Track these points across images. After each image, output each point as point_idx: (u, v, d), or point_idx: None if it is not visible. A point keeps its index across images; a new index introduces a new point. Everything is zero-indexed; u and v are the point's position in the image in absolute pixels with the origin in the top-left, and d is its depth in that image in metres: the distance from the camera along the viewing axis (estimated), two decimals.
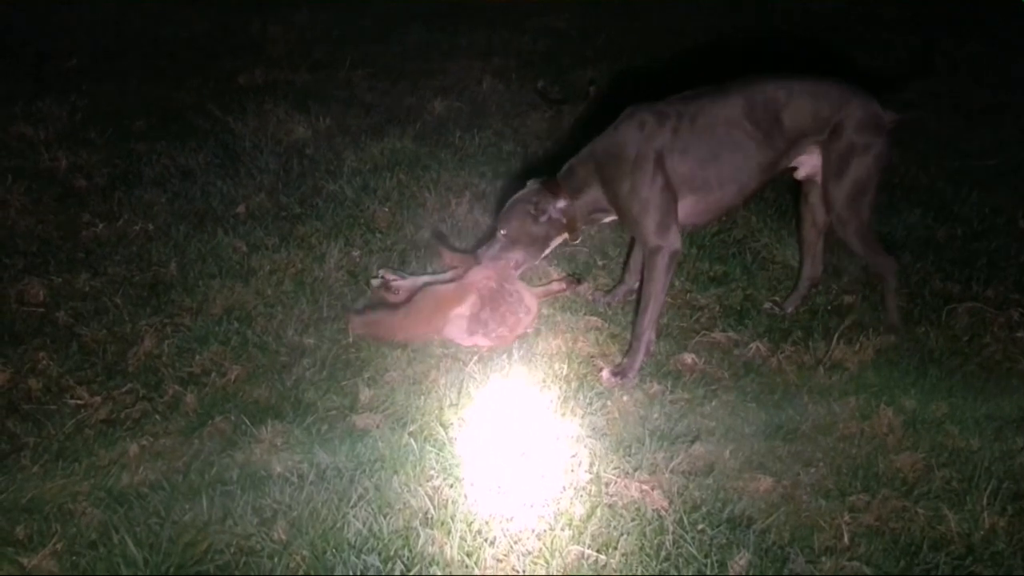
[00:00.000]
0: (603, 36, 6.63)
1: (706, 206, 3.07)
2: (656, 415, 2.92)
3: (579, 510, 2.51)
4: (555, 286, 3.46)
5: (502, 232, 3.15)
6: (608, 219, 3.20)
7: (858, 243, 3.13)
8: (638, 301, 3.18)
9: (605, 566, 2.34)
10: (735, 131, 2.97)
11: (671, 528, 2.45)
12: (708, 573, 2.32)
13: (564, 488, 2.59)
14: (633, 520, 2.48)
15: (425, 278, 3.38)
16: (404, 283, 3.31)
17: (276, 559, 2.32)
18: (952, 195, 4.24)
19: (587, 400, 2.96)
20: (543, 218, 3.09)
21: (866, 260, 3.29)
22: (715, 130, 2.97)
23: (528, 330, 3.25)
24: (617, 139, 3.03)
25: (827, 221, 3.25)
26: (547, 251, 3.23)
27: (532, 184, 3.18)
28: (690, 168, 2.98)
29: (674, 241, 3.01)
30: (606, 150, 3.05)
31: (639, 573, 2.32)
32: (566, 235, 3.18)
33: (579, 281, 3.54)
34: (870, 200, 3.06)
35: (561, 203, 3.09)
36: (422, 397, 2.96)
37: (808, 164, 3.11)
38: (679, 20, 6.87)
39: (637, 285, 3.42)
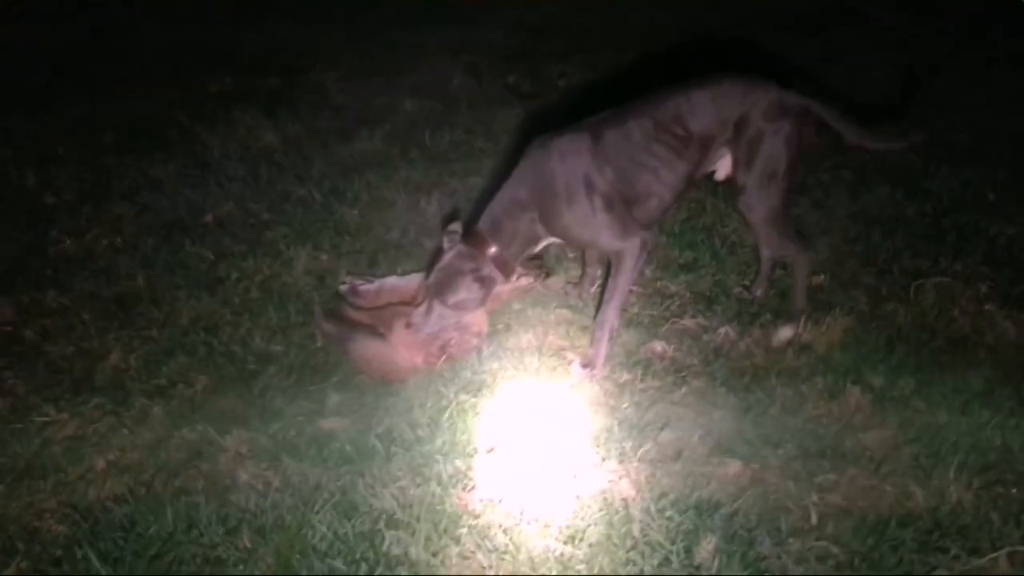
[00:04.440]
0: (574, 30, 6.62)
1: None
2: (626, 404, 2.91)
3: (546, 503, 2.50)
4: (523, 282, 3.38)
5: (442, 302, 2.99)
6: (540, 247, 3.12)
7: (765, 230, 3.06)
8: (602, 291, 3.17)
9: (571, 558, 2.34)
10: (651, 148, 2.93)
11: (638, 516, 2.44)
12: (674, 560, 2.31)
13: (531, 482, 2.58)
14: (600, 510, 2.48)
15: (392, 280, 3.36)
16: (371, 287, 3.30)
17: (241, 567, 2.32)
18: (922, 171, 4.23)
19: (557, 393, 2.96)
20: (487, 282, 3.00)
21: (774, 250, 3.19)
22: (631, 150, 2.93)
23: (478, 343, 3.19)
24: (542, 174, 2.94)
25: None
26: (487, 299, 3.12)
27: (451, 240, 3.02)
28: (612, 186, 2.92)
29: (636, 236, 2.96)
30: (533, 188, 2.95)
31: (605, 563, 2.31)
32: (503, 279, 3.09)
33: (547, 275, 3.50)
34: (781, 186, 2.99)
35: (492, 251, 2.97)
36: (391, 398, 2.95)
37: (725, 165, 3.08)
38: (650, 13, 6.85)
39: (600, 272, 3.42)
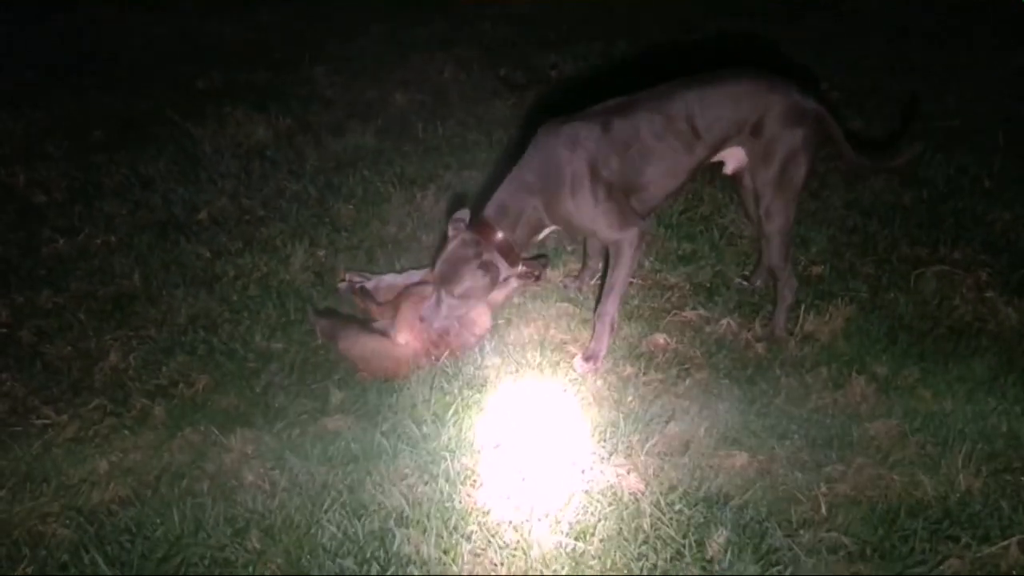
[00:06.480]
0: (564, 19, 6.60)
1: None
2: (630, 398, 2.91)
3: (556, 498, 2.49)
4: (513, 283, 3.29)
5: (450, 293, 2.93)
6: (544, 235, 3.09)
7: (778, 242, 3.04)
8: (602, 283, 3.15)
9: (583, 553, 2.33)
10: (657, 142, 2.90)
11: (648, 510, 2.44)
12: (686, 554, 2.31)
13: (540, 477, 2.57)
14: (610, 505, 2.47)
15: (390, 277, 3.34)
16: (370, 284, 3.28)
17: (251, 568, 2.30)
18: (917, 158, 4.22)
19: (560, 387, 2.95)
20: (491, 268, 2.94)
21: (775, 268, 3.12)
22: (637, 142, 2.90)
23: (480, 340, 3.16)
24: (550, 160, 2.91)
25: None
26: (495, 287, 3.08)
27: (456, 228, 2.96)
28: (615, 176, 2.91)
29: (634, 226, 2.95)
30: (540, 174, 2.92)
31: (617, 558, 2.30)
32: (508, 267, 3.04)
33: (537, 277, 3.44)
34: (796, 194, 2.98)
35: (498, 237, 2.92)
36: (394, 395, 2.93)
37: (735, 158, 3.05)
38: (639, 2, 6.83)
39: (600, 265, 3.40)
